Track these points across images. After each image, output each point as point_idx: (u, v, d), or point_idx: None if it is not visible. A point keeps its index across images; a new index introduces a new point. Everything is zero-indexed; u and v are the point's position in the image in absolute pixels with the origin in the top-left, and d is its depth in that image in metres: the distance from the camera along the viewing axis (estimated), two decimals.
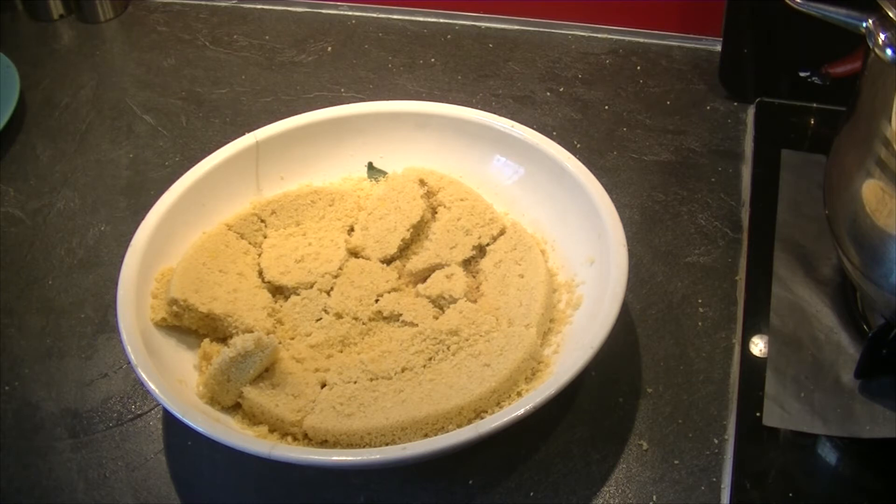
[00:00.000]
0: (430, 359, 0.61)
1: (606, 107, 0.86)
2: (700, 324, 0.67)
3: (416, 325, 0.63)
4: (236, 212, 0.71)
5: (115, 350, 0.68)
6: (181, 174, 0.69)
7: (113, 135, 0.87)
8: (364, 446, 0.56)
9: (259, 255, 0.69)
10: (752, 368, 0.63)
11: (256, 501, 0.59)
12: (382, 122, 0.74)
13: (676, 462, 0.59)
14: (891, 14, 0.51)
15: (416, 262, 0.67)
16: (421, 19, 0.99)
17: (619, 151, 0.81)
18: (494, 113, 0.73)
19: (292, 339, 0.64)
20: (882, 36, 0.52)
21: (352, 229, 0.70)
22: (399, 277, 0.67)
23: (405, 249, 0.69)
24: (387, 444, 0.56)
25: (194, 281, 0.63)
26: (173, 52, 0.97)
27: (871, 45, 0.52)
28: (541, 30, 0.96)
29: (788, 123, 0.81)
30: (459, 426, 0.55)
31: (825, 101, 0.81)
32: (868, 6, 0.53)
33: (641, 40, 0.94)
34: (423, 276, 0.67)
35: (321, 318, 0.64)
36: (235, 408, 0.60)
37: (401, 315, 0.64)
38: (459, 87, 0.90)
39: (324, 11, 1.01)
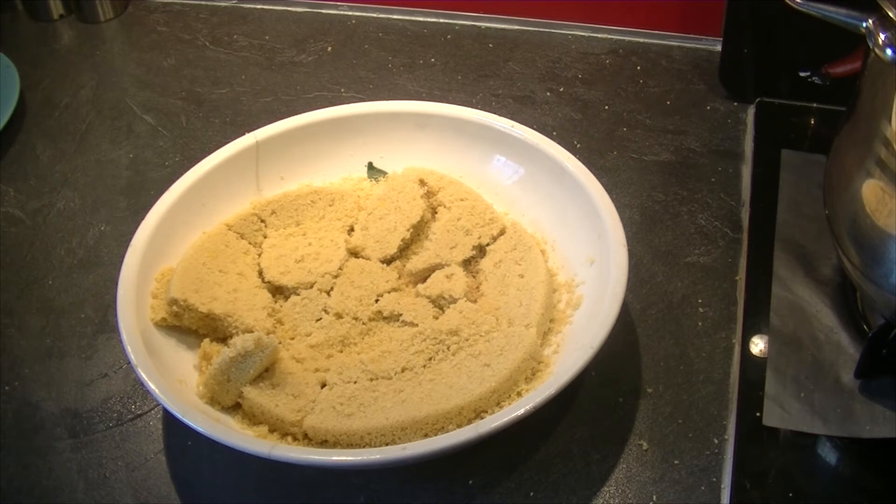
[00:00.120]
0: (430, 359, 0.61)
1: (606, 107, 0.86)
2: (700, 324, 0.67)
3: (416, 325, 0.63)
4: (236, 212, 0.71)
5: (115, 350, 0.68)
6: (181, 174, 0.69)
7: (113, 135, 0.87)
8: (364, 446, 0.56)
9: (259, 255, 0.69)
10: (752, 368, 0.63)
11: (256, 501, 0.59)
12: (382, 122, 0.74)
13: (676, 462, 0.59)
14: (891, 14, 0.51)
15: (416, 262, 0.67)
16: (421, 19, 0.99)
17: (619, 151, 0.81)
18: (494, 113, 0.73)
19: (292, 339, 0.64)
20: (882, 36, 0.52)
21: (352, 229, 0.70)
22: (399, 277, 0.67)
23: (405, 249, 0.69)
24: (387, 444, 0.56)
25: (194, 281, 0.63)
26: (173, 52, 0.97)
27: (871, 45, 0.52)
28: (541, 30, 0.96)
29: (788, 123, 0.81)
30: (459, 426, 0.55)
31: (825, 101, 0.81)
32: (868, 6, 0.53)
33: (641, 40, 0.94)
34: (423, 276, 0.67)
35: (321, 318, 0.64)
36: (235, 408, 0.60)
37: (401, 315, 0.64)
38: (459, 87, 0.90)
39: (324, 11, 1.01)
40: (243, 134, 0.73)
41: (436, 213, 0.71)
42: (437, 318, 0.63)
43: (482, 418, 0.56)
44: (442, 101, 0.75)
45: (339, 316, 0.64)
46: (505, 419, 0.53)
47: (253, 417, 0.59)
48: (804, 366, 0.62)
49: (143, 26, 1.01)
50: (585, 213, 0.66)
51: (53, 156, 0.85)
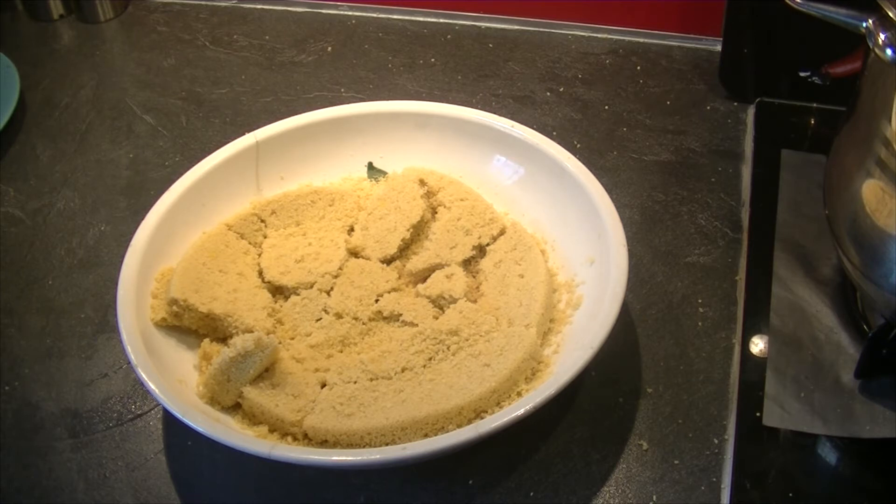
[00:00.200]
0: (430, 359, 0.61)
1: (606, 107, 0.86)
2: (700, 324, 0.67)
3: (416, 325, 0.63)
4: (236, 212, 0.71)
5: (115, 350, 0.68)
6: (181, 174, 0.69)
7: (113, 135, 0.87)
8: (364, 446, 0.56)
9: (259, 255, 0.69)
10: (752, 368, 0.63)
11: (256, 501, 0.59)
12: (382, 122, 0.74)
13: (676, 462, 0.59)
14: (891, 14, 0.51)
15: (416, 262, 0.67)
16: (421, 19, 0.99)
17: (619, 151, 0.81)
18: (494, 113, 0.73)
19: (292, 339, 0.64)
20: (882, 36, 0.52)
21: (352, 229, 0.70)
22: (399, 277, 0.67)
23: (405, 249, 0.69)
24: (387, 444, 0.56)
25: (194, 281, 0.63)
26: (173, 52, 0.97)
27: (871, 45, 0.52)
28: (541, 30, 0.96)
29: (788, 123, 0.81)
30: (459, 426, 0.55)
31: (825, 101, 0.81)
32: (868, 6, 0.53)
33: (641, 40, 0.94)
34: (423, 276, 0.67)
35: (321, 318, 0.64)
36: (235, 408, 0.60)
37: (401, 315, 0.64)
38: (459, 87, 0.90)
39: (324, 11, 1.01)
40: (243, 134, 0.73)
41: (436, 213, 0.71)
42: (437, 318, 0.63)
43: (482, 418, 0.56)
44: (442, 101, 0.75)
45: (339, 316, 0.64)
46: (505, 419, 0.53)
47: (253, 417, 0.59)
48: (804, 366, 0.62)
49: (143, 26, 1.01)
50: (585, 213, 0.66)
51: (53, 156, 0.85)
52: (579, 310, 0.62)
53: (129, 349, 0.58)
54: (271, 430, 0.58)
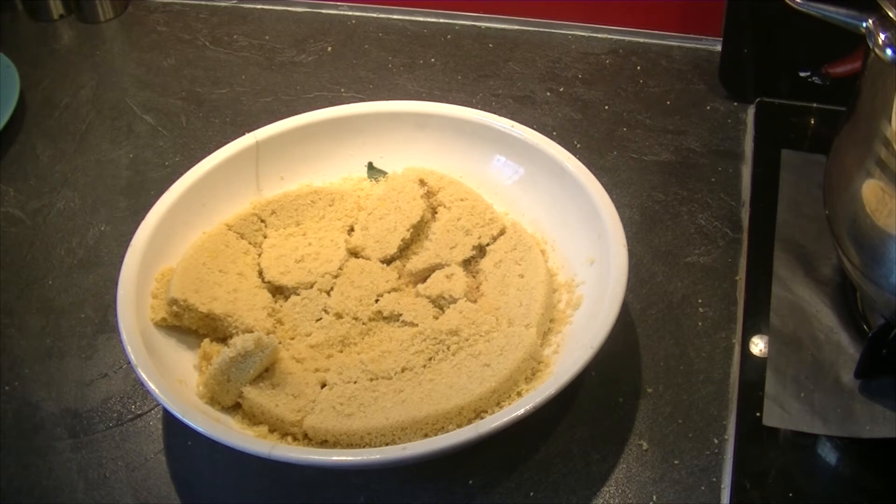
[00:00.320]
0: (430, 359, 0.61)
1: (606, 107, 0.86)
2: (700, 324, 0.67)
3: (416, 325, 0.63)
4: (236, 212, 0.71)
5: (115, 350, 0.68)
6: (181, 174, 0.69)
7: (113, 135, 0.87)
8: (364, 446, 0.56)
9: (259, 255, 0.69)
10: (752, 368, 0.63)
11: (256, 501, 0.59)
12: (382, 122, 0.74)
13: (676, 462, 0.59)
14: (891, 14, 0.51)
15: (416, 262, 0.67)
16: (421, 19, 0.99)
17: (619, 151, 0.81)
18: (494, 113, 0.73)
19: (292, 339, 0.64)
20: (882, 36, 0.52)
21: (352, 229, 0.70)
22: (399, 277, 0.67)
23: (405, 249, 0.69)
24: (387, 444, 0.56)
25: (194, 281, 0.63)
26: (173, 52, 0.97)
27: (871, 45, 0.52)
28: (541, 30, 0.96)
29: (788, 123, 0.81)
30: (459, 426, 0.55)
31: (825, 101, 0.81)
32: (868, 6, 0.53)
33: (641, 40, 0.94)
34: (423, 276, 0.67)
35: (321, 318, 0.64)
36: (235, 408, 0.60)
37: (401, 315, 0.64)
38: (459, 87, 0.90)
39: (324, 11, 1.01)
40: (243, 134, 0.73)
41: (436, 213, 0.71)
42: (437, 318, 0.63)
43: (482, 418, 0.56)
44: (442, 101, 0.75)
45: (339, 316, 0.64)
46: (505, 419, 0.53)
47: (253, 417, 0.59)
48: (804, 366, 0.62)
49: (143, 26, 1.01)
50: (585, 213, 0.66)
51: (53, 156, 0.85)
52: (579, 310, 0.62)
53: (129, 349, 0.58)
54: (271, 430, 0.58)
